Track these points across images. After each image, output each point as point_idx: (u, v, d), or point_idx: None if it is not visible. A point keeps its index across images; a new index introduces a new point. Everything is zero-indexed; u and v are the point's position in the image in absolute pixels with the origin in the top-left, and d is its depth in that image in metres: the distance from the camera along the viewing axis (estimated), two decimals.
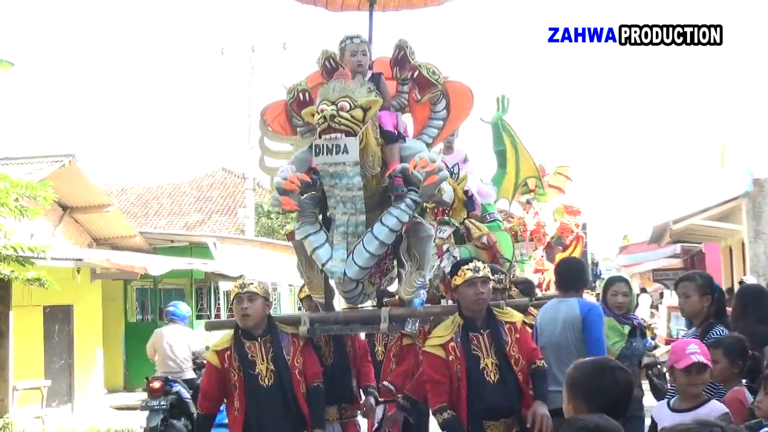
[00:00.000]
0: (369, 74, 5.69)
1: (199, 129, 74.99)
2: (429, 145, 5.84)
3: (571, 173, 13.26)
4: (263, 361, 5.48)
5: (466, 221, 7.06)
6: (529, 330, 6.14)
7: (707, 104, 73.24)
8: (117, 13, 74.85)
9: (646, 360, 6.32)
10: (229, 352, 5.56)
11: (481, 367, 5.15)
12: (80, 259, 14.24)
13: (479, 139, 9.39)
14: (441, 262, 6.52)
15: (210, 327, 7.40)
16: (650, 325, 17.87)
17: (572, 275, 6.29)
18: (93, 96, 74.52)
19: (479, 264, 5.27)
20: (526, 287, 7.80)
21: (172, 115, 76.57)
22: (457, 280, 5.25)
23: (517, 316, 5.44)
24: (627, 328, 6.32)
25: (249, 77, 27.98)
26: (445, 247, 6.69)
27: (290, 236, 5.89)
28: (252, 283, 5.59)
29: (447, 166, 7.03)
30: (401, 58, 5.75)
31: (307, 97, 5.70)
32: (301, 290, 6.65)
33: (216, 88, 68.24)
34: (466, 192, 7.06)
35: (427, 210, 6.91)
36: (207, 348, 9.12)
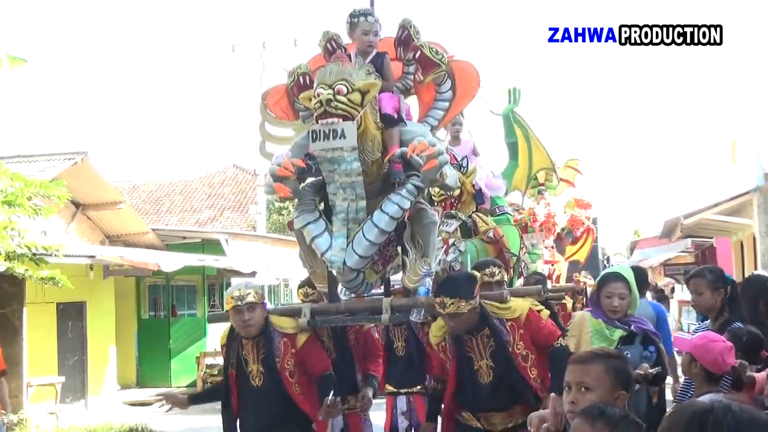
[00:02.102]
0: (374, 53, 5.49)
1: (210, 126, 75.15)
2: (434, 128, 5.67)
3: (582, 167, 13.23)
4: (254, 361, 5.41)
5: (473, 215, 7.03)
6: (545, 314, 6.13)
7: (718, 99, 73.06)
8: (128, 10, 75.06)
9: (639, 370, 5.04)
10: (228, 348, 5.56)
11: (474, 368, 5.10)
12: (93, 256, 14.35)
13: (490, 131, 9.40)
14: (447, 255, 6.47)
15: (213, 319, 7.03)
16: None
17: (640, 280, 6.79)
18: (105, 93, 74.84)
19: (446, 300, 4.99)
20: (542, 282, 7.84)
21: (183, 112, 76.81)
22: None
23: (520, 309, 5.19)
24: (617, 333, 5.22)
25: (260, 74, 27.93)
26: (450, 241, 6.62)
27: (290, 225, 5.76)
28: (249, 293, 5.40)
29: (456, 159, 7.02)
30: (405, 38, 5.56)
31: (308, 81, 5.51)
32: (299, 290, 6.50)
33: (227, 85, 68.38)
34: (473, 185, 7.06)
35: (435, 203, 6.90)
36: None
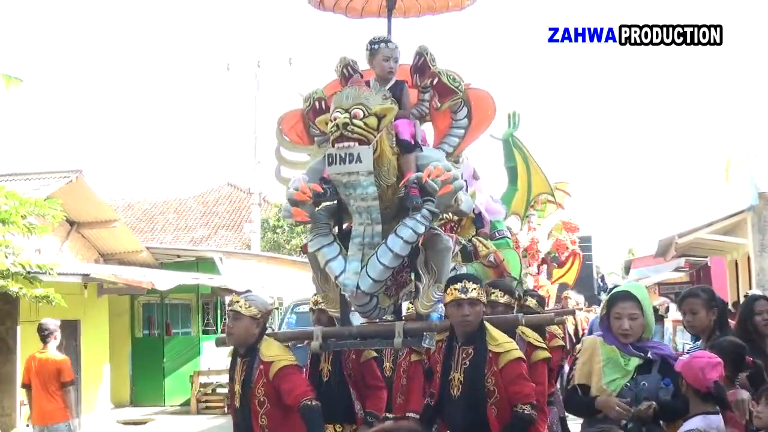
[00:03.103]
0: (392, 81, 5.51)
1: (205, 144, 75.19)
2: (450, 155, 5.62)
3: (570, 189, 13.28)
4: (238, 381, 5.36)
5: (473, 239, 7.03)
6: (541, 355, 6.07)
7: (712, 118, 73.34)
8: (123, 28, 75.21)
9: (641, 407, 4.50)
10: (231, 362, 5.59)
11: (449, 378, 5.06)
12: (87, 275, 14.32)
13: (489, 155, 9.39)
14: None
15: (220, 343, 7.13)
16: None
17: None
18: (100, 112, 74.84)
19: (468, 284, 5.02)
20: (540, 299, 7.82)
21: (178, 130, 76.84)
22: (446, 298, 5.09)
23: (508, 349, 5.03)
24: (633, 362, 4.65)
25: (255, 92, 28.06)
26: (451, 265, 6.64)
27: (304, 249, 5.71)
28: (237, 302, 5.36)
29: None
30: (421, 65, 5.56)
31: (323, 106, 5.54)
32: (315, 303, 6.36)
33: (222, 104, 68.31)
34: (473, 209, 7.07)
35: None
36: None
